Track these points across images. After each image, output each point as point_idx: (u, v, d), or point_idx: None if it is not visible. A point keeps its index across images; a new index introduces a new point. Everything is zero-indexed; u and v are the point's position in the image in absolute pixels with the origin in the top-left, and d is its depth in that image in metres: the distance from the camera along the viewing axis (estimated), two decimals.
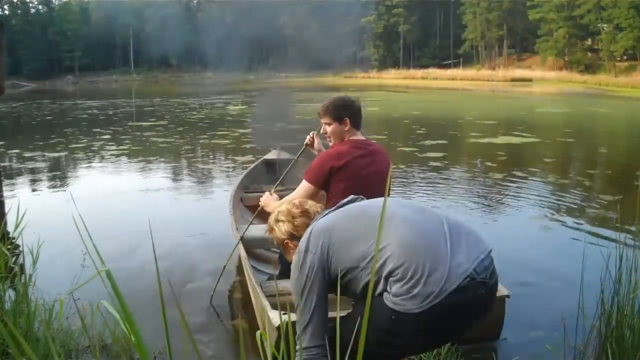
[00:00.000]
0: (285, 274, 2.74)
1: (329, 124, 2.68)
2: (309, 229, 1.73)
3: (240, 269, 3.31)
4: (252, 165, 4.99)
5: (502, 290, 2.28)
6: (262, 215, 3.83)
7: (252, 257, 3.20)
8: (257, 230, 3.09)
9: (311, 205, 1.93)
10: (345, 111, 2.64)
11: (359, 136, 2.68)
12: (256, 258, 3.30)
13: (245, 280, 3.04)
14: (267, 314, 2.15)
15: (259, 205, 2.87)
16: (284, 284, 2.49)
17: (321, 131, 2.76)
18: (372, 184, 2.44)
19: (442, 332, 1.64)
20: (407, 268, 1.54)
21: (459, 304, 1.55)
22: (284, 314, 1.88)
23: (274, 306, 2.14)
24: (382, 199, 1.72)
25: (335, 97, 2.73)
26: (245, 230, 3.14)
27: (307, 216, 1.85)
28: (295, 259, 1.72)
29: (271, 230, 1.94)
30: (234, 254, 3.21)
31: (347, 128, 2.64)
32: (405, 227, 1.63)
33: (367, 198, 2.36)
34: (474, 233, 1.71)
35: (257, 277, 2.90)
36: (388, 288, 1.57)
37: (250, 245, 3.22)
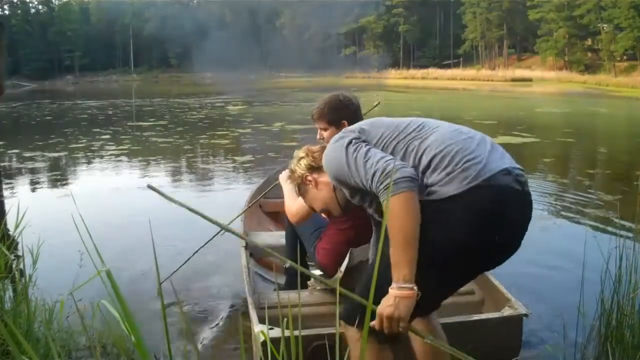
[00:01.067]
0: (291, 284, 2.70)
1: (325, 129, 2.33)
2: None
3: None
4: (273, 171, 4.79)
5: (519, 309, 2.18)
6: (278, 222, 3.76)
7: (261, 265, 3.15)
8: (272, 237, 3.01)
9: None
10: (343, 113, 2.29)
11: None
12: (265, 266, 3.20)
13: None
14: (252, 327, 2.05)
15: (277, 212, 2.74)
16: (287, 295, 2.41)
17: (317, 137, 2.40)
18: None
19: (487, 227, 1.44)
20: (445, 155, 1.47)
21: (498, 192, 1.44)
22: (270, 329, 1.84)
23: (263, 320, 1.99)
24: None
25: (331, 97, 2.35)
26: (250, 236, 3.09)
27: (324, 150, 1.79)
28: (333, 146, 1.62)
29: (292, 172, 1.91)
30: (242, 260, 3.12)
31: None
32: (444, 128, 1.60)
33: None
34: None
35: (258, 285, 2.86)
36: (426, 181, 1.47)
37: (260, 253, 3.15)
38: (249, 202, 3.69)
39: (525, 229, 1.55)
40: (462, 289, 2.48)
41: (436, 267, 1.44)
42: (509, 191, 1.46)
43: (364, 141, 1.57)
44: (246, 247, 2.95)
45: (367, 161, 1.49)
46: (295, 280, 2.69)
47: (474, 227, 1.43)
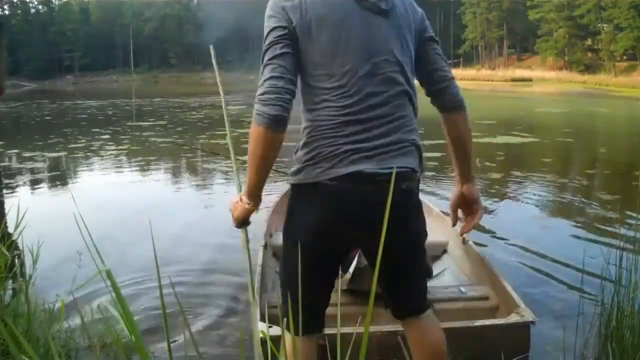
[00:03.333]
0: None
1: None
2: None
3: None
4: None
5: (526, 316, 2.12)
6: None
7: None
8: None
9: None
10: None
11: None
12: None
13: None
14: (253, 326, 2.02)
15: None
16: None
17: None
18: None
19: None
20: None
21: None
22: (269, 327, 1.84)
23: (265, 318, 1.98)
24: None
25: None
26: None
27: None
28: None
29: None
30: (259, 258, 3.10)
31: None
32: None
33: None
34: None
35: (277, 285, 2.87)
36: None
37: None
38: (277, 203, 3.81)
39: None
40: (477, 294, 2.48)
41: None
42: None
43: (286, 37, 1.43)
44: (265, 246, 2.97)
45: (264, 67, 1.44)
46: None
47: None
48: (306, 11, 1.43)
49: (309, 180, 1.45)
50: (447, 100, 1.67)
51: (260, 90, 1.40)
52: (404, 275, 1.62)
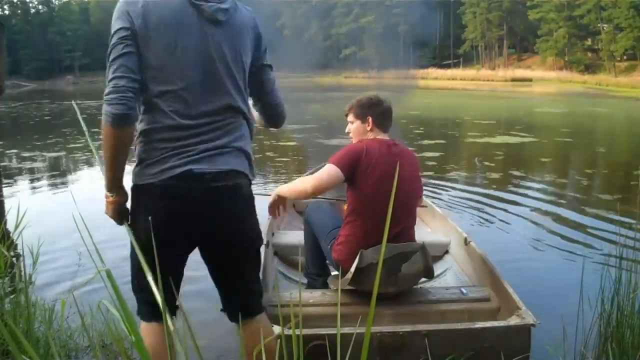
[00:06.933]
0: (310, 284, 2.75)
1: (352, 122, 2.57)
2: None
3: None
4: (308, 171, 4.73)
5: (527, 318, 2.09)
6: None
7: (286, 264, 3.16)
8: (298, 237, 2.98)
9: None
10: (370, 110, 2.50)
11: (385, 137, 2.50)
12: (291, 266, 3.19)
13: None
14: None
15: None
16: (293, 294, 2.41)
17: (346, 130, 2.63)
18: (397, 189, 2.22)
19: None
20: None
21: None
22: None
23: (269, 317, 1.95)
24: None
25: (363, 96, 2.61)
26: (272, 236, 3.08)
27: None
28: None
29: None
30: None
31: (369, 127, 2.48)
32: None
33: (386, 205, 2.32)
34: None
35: (281, 284, 2.87)
36: None
37: (284, 252, 3.18)
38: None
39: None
40: (478, 296, 2.48)
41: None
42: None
43: (129, 38, 1.51)
44: (267, 245, 2.95)
45: (109, 67, 1.51)
46: (312, 280, 2.74)
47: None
48: (147, 16, 1.51)
49: (143, 182, 1.56)
50: (269, 119, 1.86)
51: (105, 91, 1.49)
52: (238, 276, 1.72)
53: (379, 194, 2.30)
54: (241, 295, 1.75)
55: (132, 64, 1.49)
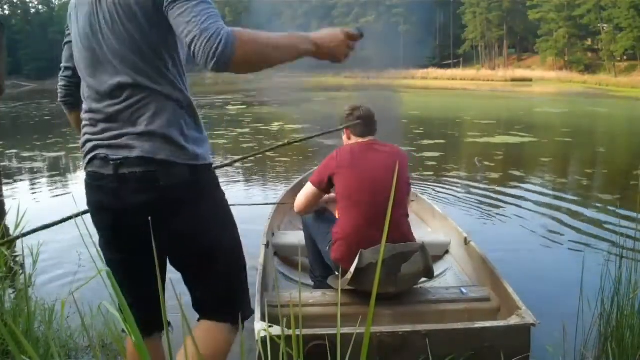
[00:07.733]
0: (317, 288, 2.75)
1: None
2: None
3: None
4: (309, 172, 4.61)
5: (527, 318, 2.08)
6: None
7: (286, 264, 3.17)
8: (297, 237, 3.00)
9: None
10: (345, 122, 2.67)
11: (365, 140, 2.59)
12: (291, 266, 3.20)
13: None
14: (254, 325, 1.99)
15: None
16: (294, 294, 2.40)
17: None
18: (378, 186, 2.38)
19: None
20: None
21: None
22: (269, 326, 1.83)
23: (267, 317, 1.95)
24: None
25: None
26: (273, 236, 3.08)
27: None
28: None
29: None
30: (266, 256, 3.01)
31: (348, 137, 2.68)
32: None
33: (373, 201, 2.35)
34: None
35: (282, 284, 2.88)
36: None
37: (285, 252, 3.18)
38: (280, 201, 3.84)
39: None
40: (478, 295, 2.48)
41: None
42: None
43: (68, 27, 1.56)
44: (267, 245, 2.96)
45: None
46: (320, 283, 2.75)
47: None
48: (72, 11, 1.49)
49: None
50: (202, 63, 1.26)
51: None
52: (194, 273, 1.58)
53: (362, 187, 2.41)
54: (200, 294, 1.60)
55: (66, 52, 1.61)
